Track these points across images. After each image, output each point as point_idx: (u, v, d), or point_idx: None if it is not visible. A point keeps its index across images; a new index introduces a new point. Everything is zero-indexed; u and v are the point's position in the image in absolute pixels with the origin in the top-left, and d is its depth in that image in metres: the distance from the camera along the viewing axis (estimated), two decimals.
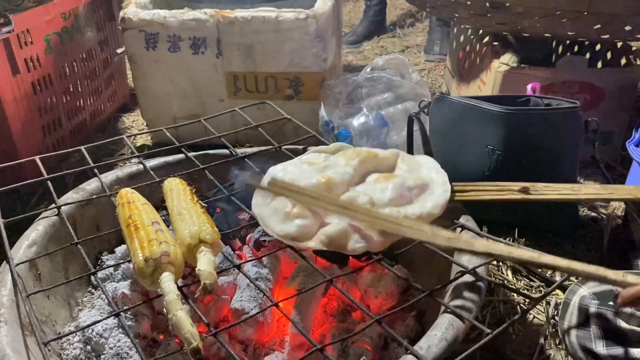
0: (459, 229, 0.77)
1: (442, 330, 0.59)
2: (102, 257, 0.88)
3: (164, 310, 0.73)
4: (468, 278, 0.67)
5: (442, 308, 0.63)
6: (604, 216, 1.08)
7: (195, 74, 1.34)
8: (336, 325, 0.76)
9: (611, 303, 0.66)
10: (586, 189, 0.77)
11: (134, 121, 1.62)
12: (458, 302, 0.64)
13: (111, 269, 0.83)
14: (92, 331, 0.72)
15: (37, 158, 0.89)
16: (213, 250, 0.66)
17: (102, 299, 0.82)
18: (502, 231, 1.04)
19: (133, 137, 1.48)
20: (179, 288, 0.62)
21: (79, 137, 1.43)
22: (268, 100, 1.13)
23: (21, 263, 0.73)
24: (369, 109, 1.25)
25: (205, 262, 0.63)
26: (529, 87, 1.08)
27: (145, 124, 1.47)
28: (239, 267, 0.71)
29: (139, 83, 1.39)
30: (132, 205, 0.72)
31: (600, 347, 0.65)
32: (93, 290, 0.85)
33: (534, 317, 0.86)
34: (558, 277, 0.92)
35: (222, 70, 1.33)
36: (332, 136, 1.25)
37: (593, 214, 1.11)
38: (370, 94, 1.29)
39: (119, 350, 0.70)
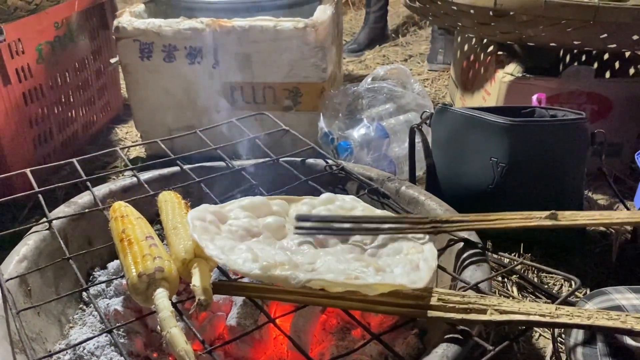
0: (460, 244, 0.78)
1: (444, 347, 0.60)
2: (94, 273, 0.89)
3: (158, 327, 0.75)
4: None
5: (445, 325, 0.64)
6: (613, 231, 1.10)
7: (191, 84, 1.35)
8: (335, 344, 0.77)
9: None
10: (618, 215, 0.73)
11: (127, 133, 1.63)
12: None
13: (103, 285, 0.84)
14: (84, 349, 0.73)
15: (28, 171, 0.91)
16: (208, 266, 0.67)
17: (93, 316, 0.83)
18: (506, 246, 1.05)
19: (127, 149, 1.49)
20: (174, 304, 0.63)
21: (70, 149, 1.45)
22: (266, 112, 1.14)
23: (11, 279, 0.74)
24: (370, 120, 1.27)
25: (200, 278, 0.64)
26: (535, 97, 1.10)
27: (139, 135, 1.49)
28: (234, 282, 0.72)
29: (133, 94, 1.41)
30: (126, 219, 0.73)
31: None
32: (85, 307, 0.86)
33: (540, 335, 0.87)
34: (565, 293, 0.93)
35: (219, 81, 1.35)
36: (331, 148, 1.26)
37: (601, 228, 1.12)
38: (371, 104, 1.31)
39: None
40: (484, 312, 0.59)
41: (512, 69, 1.26)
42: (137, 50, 1.33)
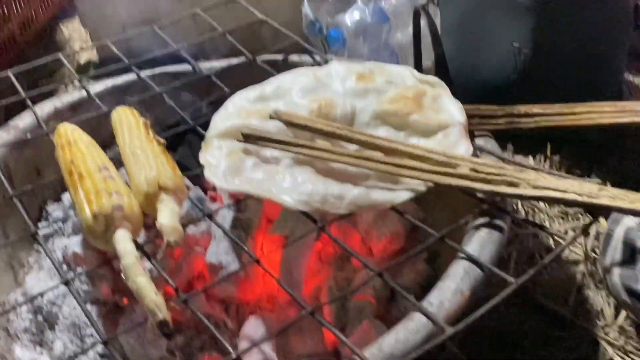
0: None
1: (457, 280, 0.59)
2: (47, 207, 0.88)
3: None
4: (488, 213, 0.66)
5: (457, 253, 0.63)
6: None
7: None
8: (333, 274, 0.77)
9: None
10: None
11: (75, 31, 1.57)
12: (476, 244, 0.63)
13: (60, 222, 0.83)
14: (43, 299, 0.73)
15: None
16: (177, 198, 0.65)
17: None
18: (531, 146, 1.03)
19: (73, 54, 1.44)
20: (140, 246, 0.62)
21: (6, 55, 1.39)
22: None
23: None
24: (365, 2, 1.22)
25: (167, 214, 0.62)
26: None
27: (88, 33, 1.43)
28: (210, 216, 0.70)
29: None
30: (74, 146, 0.70)
31: None
32: (40, 249, 0.85)
33: (570, 250, 0.87)
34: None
35: None
36: (320, 39, 1.22)
37: None
38: None
39: (75, 320, 0.71)
40: (516, 185, 0.61)
41: None
42: None
